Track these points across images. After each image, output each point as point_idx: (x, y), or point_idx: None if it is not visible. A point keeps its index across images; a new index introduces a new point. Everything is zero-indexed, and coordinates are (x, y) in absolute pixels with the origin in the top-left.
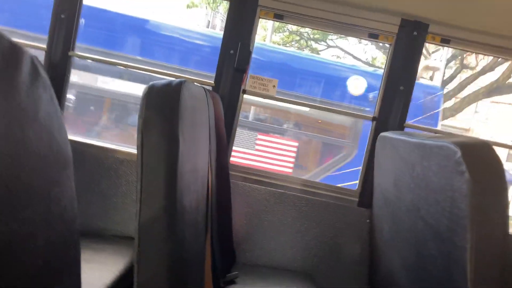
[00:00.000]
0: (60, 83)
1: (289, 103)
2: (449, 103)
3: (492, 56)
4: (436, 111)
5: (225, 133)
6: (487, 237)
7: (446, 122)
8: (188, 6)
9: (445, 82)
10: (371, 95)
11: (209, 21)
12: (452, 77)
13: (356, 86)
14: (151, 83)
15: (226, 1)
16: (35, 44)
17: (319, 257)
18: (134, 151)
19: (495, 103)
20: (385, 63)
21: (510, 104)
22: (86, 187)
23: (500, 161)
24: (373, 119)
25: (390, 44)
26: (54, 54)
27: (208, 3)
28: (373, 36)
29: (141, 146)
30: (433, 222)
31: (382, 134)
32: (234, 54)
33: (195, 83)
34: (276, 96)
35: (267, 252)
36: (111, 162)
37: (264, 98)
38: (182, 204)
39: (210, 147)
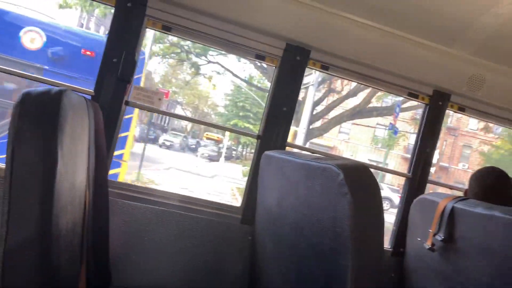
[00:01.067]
0: None
1: (175, 117)
2: (317, 123)
3: (357, 82)
4: None
5: (105, 147)
6: (367, 255)
7: (314, 140)
8: (60, 6)
9: (315, 103)
10: (50, 51)
11: (82, 24)
12: (320, 100)
13: (32, 39)
14: (26, 90)
15: (111, 7)
16: None
17: (201, 275)
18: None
19: (355, 124)
20: (270, 85)
21: (368, 126)
22: None
23: (376, 182)
24: (258, 137)
25: (275, 66)
26: None
27: (84, 6)
28: (260, 57)
29: (11, 160)
30: (316, 241)
31: (267, 152)
32: (118, 63)
33: (75, 92)
34: (163, 110)
35: (146, 273)
36: None
37: (149, 111)
38: (58, 228)
39: (89, 162)
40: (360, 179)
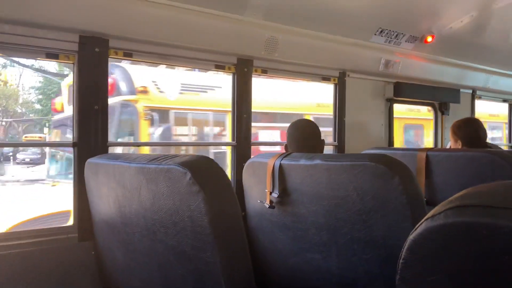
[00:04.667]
0: None
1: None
2: None
3: (163, 64)
4: None
5: None
6: (233, 246)
7: None
8: None
9: None
10: None
11: None
12: None
13: None
14: None
15: None
16: None
17: None
18: None
19: None
20: (72, 83)
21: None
22: None
23: (224, 172)
24: (74, 144)
25: (73, 63)
26: None
27: None
28: (52, 56)
29: None
30: (175, 243)
31: (90, 160)
32: None
33: None
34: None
35: None
36: None
37: None
38: None
39: None
40: (208, 174)
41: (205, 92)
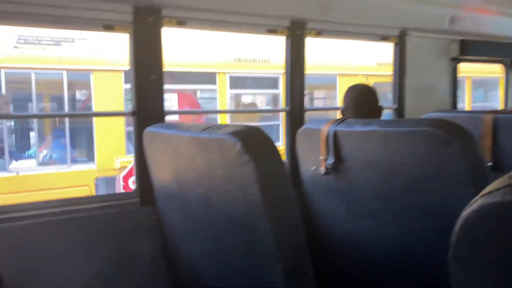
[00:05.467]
0: None
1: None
2: None
3: (216, 30)
4: None
5: None
6: (283, 214)
7: None
8: None
9: None
10: None
11: None
12: None
13: None
14: None
15: None
16: None
17: (115, 271)
18: None
19: None
20: (128, 54)
21: None
22: None
23: (272, 142)
24: (133, 114)
25: (129, 34)
26: None
27: None
28: (108, 28)
29: None
30: (228, 211)
31: (148, 129)
32: None
33: None
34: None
35: None
36: None
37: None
38: None
39: None
40: (258, 143)
41: None
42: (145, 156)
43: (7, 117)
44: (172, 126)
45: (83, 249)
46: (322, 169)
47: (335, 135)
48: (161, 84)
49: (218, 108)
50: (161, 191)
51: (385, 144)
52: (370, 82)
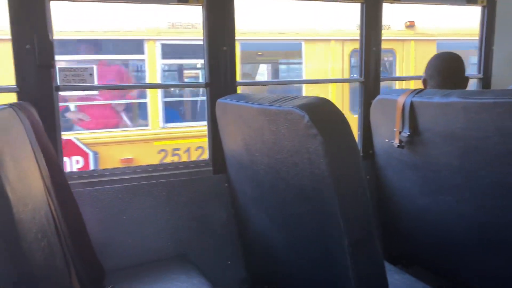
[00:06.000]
0: None
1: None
2: None
3: None
4: None
5: (51, 144)
6: (351, 188)
7: None
8: None
9: None
10: None
11: None
12: None
13: None
14: None
15: None
16: None
17: (189, 234)
18: None
19: None
20: (202, 26)
21: None
22: None
23: (342, 114)
24: (206, 85)
25: (201, 6)
26: None
27: None
28: (183, 1)
29: None
30: (295, 182)
31: (220, 100)
32: (33, 49)
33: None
34: (99, 85)
35: (137, 252)
36: None
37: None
38: (33, 255)
39: (40, 170)
40: (326, 116)
41: None
42: (218, 126)
43: (92, 88)
44: (243, 97)
45: (161, 212)
46: (396, 142)
47: (412, 107)
48: (233, 55)
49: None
50: (232, 161)
51: (466, 117)
52: (348, 49)
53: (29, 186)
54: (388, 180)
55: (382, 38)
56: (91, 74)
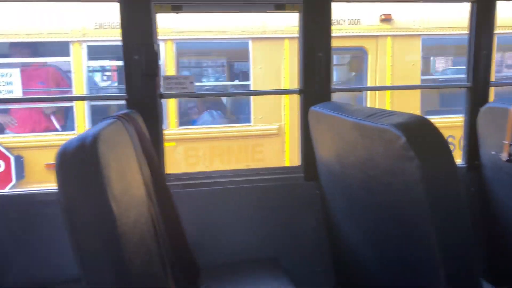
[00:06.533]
0: None
1: (211, 96)
2: None
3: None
4: None
5: (154, 150)
6: (450, 215)
7: None
8: None
9: None
10: None
11: None
12: None
13: None
14: (63, 146)
15: (115, 2)
16: None
17: (280, 238)
18: None
19: None
20: (298, 33)
21: None
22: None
23: (443, 137)
24: (300, 92)
25: (299, 13)
26: None
27: None
28: (279, 8)
29: (70, 223)
30: (389, 202)
31: (313, 108)
32: (140, 60)
33: (111, 117)
34: (197, 93)
35: (229, 252)
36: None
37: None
38: (134, 264)
39: (143, 177)
40: (425, 139)
41: None
42: (311, 134)
43: (192, 95)
44: (337, 107)
45: (253, 215)
46: (505, 155)
47: None
48: (328, 61)
49: None
50: (324, 169)
51: None
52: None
53: (132, 197)
54: (495, 194)
55: (354, 34)
56: (192, 82)
